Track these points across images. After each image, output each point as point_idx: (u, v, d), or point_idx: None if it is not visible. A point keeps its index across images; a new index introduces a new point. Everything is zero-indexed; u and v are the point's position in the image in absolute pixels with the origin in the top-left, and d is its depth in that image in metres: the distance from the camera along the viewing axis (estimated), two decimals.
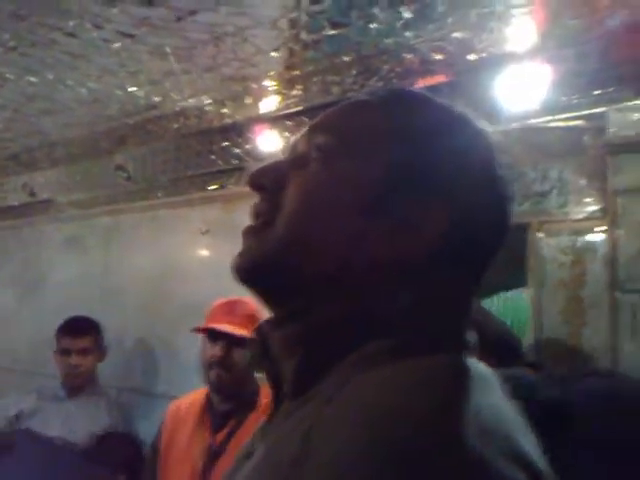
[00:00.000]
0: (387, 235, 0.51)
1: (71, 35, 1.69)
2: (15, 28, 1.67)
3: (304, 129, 0.60)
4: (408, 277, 0.51)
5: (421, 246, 0.51)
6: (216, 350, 1.68)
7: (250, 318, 1.68)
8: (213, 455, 1.66)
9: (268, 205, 0.57)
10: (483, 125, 0.58)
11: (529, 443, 0.42)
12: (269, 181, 0.57)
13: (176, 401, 1.88)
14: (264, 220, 0.56)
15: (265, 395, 1.73)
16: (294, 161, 0.58)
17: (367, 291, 0.51)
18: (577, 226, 1.60)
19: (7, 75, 1.97)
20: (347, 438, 0.40)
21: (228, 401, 1.72)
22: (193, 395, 1.84)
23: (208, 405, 1.76)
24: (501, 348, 1.26)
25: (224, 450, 1.66)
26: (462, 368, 0.46)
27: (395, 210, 0.52)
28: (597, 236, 1.57)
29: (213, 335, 1.71)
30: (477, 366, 0.48)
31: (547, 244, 1.64)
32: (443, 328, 0.51)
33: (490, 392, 0.45)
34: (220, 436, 1.69)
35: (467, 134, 0.56)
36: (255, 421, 1.64)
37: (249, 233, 0.57)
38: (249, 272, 0.56)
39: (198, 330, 1.76)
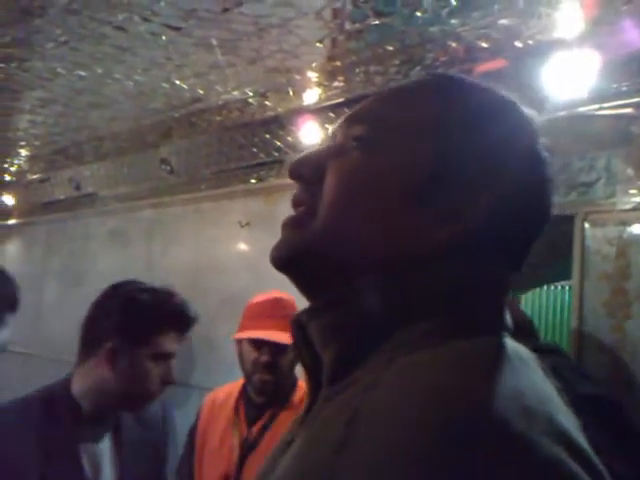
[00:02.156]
0: (432, 224, 0.52)
1: (120, 28, 1.72)
2: (66, 22, 1.72)
3: (342, 119, 0.61)
4: (450, 263, 0.51)
5: (465, 234, 0.51)
6: (263, 356, 1.67)
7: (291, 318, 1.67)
8: (248, 447, 1.68)
9: (308, 195, 0.57)
10: (526, 109, 0.58)
11: (571, 423, 0.43)
12: (308, 171, 0.58)
13: (213, 392, 1.89)
14: (305, 211, 0.57)
15: (302, 388, 1.74)
16: (332, 150, 0.58)
17: (409, 278, 0.51)
18: (624, 217, 1.57)
19: (58, 70, 2.03)
20: (399, 420, 0.40)
21: (265, 395, 1.73)
22: (230, 387, 1.85)
23: (244, 397, 1.77)
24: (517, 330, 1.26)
25: (259, 443, 1.67)
26: (503, 350, 0.47)
27: (440, 198, 0.52)
28: None
29: (258, 341, 1.68)
30: (517, 347, 0.49)
31: (593, 235, 1.61)
32: (483, 310, 0.51)
33: (531, 373, 0.46)
34: (255, 429, 1.70)
35: (510, 119, 0.56)
36: (290, 415, 1.65)
37: (288, 224, 0.58)
38: (287, 261, 0.57)
39: (245, 338, 1.72)
